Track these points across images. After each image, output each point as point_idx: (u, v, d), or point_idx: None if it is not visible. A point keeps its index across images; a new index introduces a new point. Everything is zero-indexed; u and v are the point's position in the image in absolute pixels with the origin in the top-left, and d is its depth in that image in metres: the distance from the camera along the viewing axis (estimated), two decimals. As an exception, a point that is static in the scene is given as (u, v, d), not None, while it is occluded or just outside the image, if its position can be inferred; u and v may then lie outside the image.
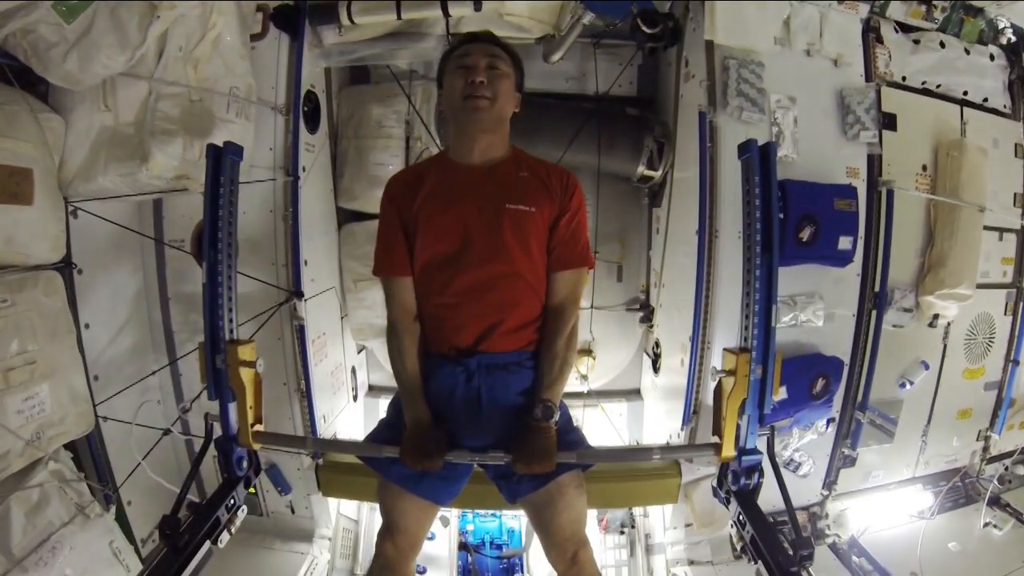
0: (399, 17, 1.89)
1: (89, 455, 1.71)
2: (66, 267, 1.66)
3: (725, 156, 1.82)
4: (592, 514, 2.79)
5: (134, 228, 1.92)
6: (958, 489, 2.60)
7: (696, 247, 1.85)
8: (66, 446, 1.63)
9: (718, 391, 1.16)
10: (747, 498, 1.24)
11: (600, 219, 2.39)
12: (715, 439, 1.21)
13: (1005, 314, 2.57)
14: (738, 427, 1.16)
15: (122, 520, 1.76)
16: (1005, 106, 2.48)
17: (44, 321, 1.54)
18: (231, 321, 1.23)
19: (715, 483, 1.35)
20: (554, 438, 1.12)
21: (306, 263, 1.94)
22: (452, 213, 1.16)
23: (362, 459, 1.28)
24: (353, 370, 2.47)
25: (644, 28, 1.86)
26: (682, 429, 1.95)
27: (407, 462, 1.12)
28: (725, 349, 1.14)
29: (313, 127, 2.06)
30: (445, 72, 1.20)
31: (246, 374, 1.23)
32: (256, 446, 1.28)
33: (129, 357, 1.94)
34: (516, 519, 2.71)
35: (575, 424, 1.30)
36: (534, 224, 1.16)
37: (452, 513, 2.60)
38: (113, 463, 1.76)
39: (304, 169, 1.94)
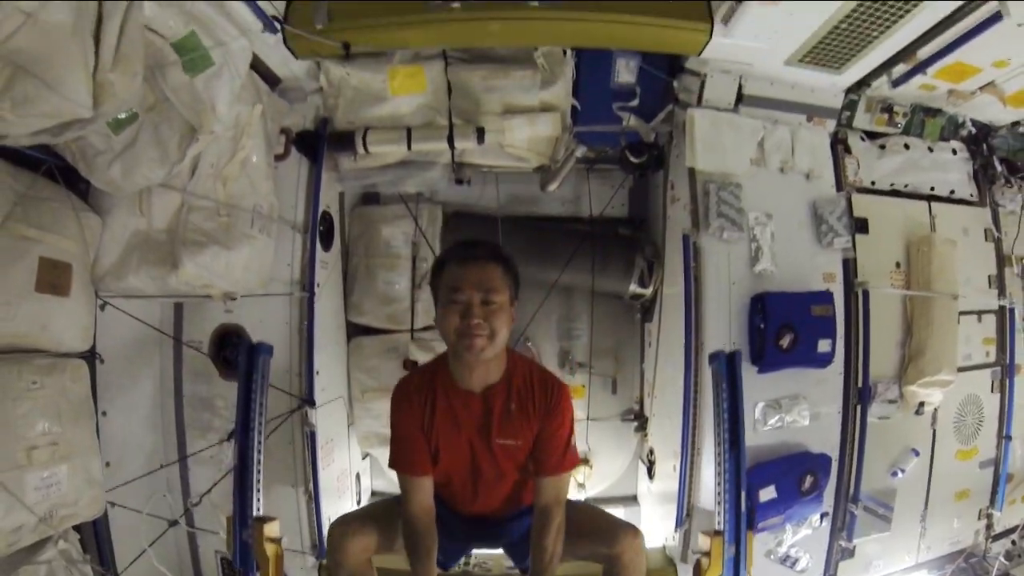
0: (409, 148, 2.09)
1: (94, 539, 1.74)
2: (91, 356, 1.75)
3: (709, 274, 1.96)
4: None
5: (156, 325, 2.03)
6: (965, 570, 2.58)
7: (684, 360, 1.96)
8: (74, 528, 1.66)
9: (697, 570, 1.26)
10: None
11: (595, 336, 2.51)
12: None
13: (992, 392, 2.63)
14: None
15: (120, 607, 1.78)
16: (971, 195, 2.62)
17: (69, 406, 1.61)
18: (258, 500, 1.33)
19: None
20: None
21: (318, 373, 2.05)
22: (461, 445, 1.30)
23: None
24: (358, 476, 2.54)
25: (631, 158, 2.05)
26: (676, 530, 1.99)
27: None
28: (702, 532, 1.24)
29: (327, 245, 2.21)
30: (439, 289, 1.24)
31: (270, 548, 1.33)
32: None
33: (140, 447, 2.00)
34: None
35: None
36: (522, 451, 1.31)
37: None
38: (115, 548, 1.79)
39: (319, 285, 2.08)
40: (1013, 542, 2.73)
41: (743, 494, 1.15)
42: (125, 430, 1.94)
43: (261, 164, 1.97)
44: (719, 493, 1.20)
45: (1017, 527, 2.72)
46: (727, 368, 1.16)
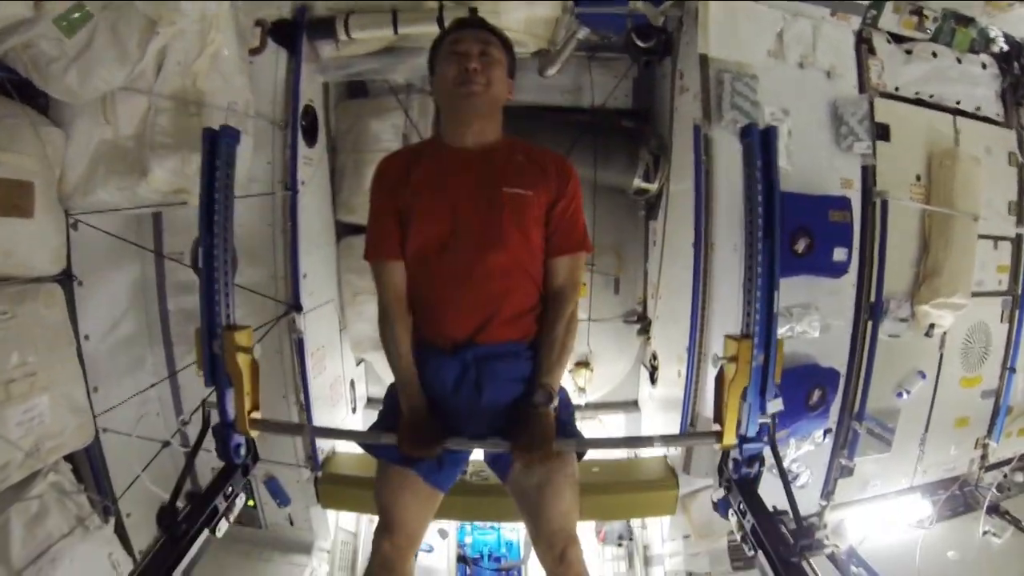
0: (396, 32, 1.91)
1: (88, 467, 1.71)
2: (66, 279, 1.66)
3: (720, 169, 1.83)
4: (590, 526, 2.79)
5: (134, 240, 1.92)
6: (957, 498, 2.59)
7: (692, 259, 1.86)
8: (66, 458, 1.63)
9: (719, 378, 1.15)
10: (748, 487, 1.22)
11: (596, 232, 2.36)
12: (716, 427, 1.18)
13: (1001, 322, 2.57)
14: (739, 415, 1.14)
15: (120, 532, 1.76)
16: (998, 114, 2.49)
17: (44, 333, 1.55)
18: (228, 307, 1.21)
19: (714, 496, 1.34)
20: (553, 424, 1.11)
21: (305, 276, 1.95)
22: (445, 196, 1.14)
23: (364, 447, 1.27)
24: (352, 383, 2.47)
25: (638, 42, 1.87)
26: (679, 440, 1.95)
27: (405, 449, 1.11)
28: (727, 336, 1.12)
29: (311, 141, 2.07)
30: (437, 59, 1.19)
31: (243, 360, 1.20)
32: (254, 433, 1.26)
33: (129, 368, 1.94)
34: (515, 531, 2.71)
35: (571, 409, 1.28)
36: (532, 209, 1.14)
37: (451, 525, 2.59)
38: (112, 475, 1.76)
39: (303, 183, 1.96)
40: (1005, 475, 2.73)
41: (776, 293, 1.03)
42: (111, 352, 1.87)
43: (233, 57, 1.82)
44: (748, 291, 1.07)
45: (1011, 459, 2.72)
46: (762, 140, 1.03)
